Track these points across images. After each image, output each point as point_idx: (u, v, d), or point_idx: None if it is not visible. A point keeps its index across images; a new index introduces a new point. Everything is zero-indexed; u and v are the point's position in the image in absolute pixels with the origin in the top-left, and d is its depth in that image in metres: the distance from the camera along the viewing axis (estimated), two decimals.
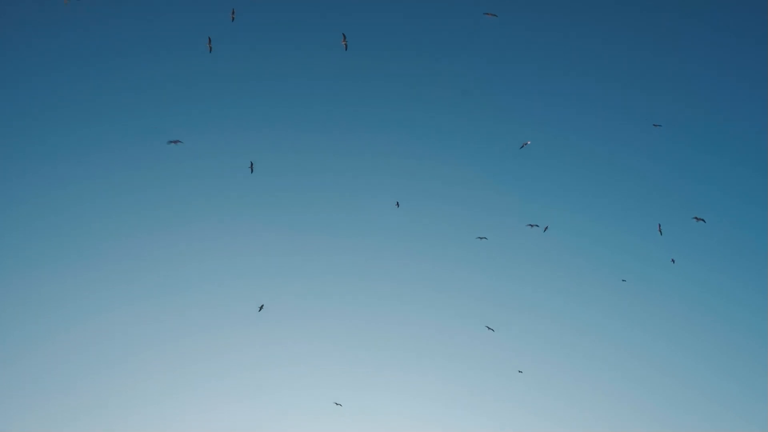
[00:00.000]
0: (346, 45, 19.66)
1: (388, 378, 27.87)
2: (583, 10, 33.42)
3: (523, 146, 22.46)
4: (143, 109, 30.82)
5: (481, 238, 23.99)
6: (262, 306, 23.34)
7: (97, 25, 30.64)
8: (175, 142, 19.55)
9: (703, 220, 21.26)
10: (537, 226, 22.19)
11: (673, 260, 24.27)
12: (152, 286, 28.89)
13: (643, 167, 32.48)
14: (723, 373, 28.85)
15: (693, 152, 32.95)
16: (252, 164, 21.51)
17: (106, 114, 30.30)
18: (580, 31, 33.29)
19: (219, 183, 30.50)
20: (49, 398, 26.04)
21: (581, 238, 31.57)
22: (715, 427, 27.03)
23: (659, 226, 22.31)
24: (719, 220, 31.87)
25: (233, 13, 19.83)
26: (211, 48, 19.68)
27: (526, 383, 26.66)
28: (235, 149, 30.71)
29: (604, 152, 32.74)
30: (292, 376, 27.36)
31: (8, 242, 28.65)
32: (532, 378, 26.58)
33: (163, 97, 31.21)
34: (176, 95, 31.32)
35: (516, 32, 33.32)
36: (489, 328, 24.03)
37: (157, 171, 30.51)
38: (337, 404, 24.02)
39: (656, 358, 29.23)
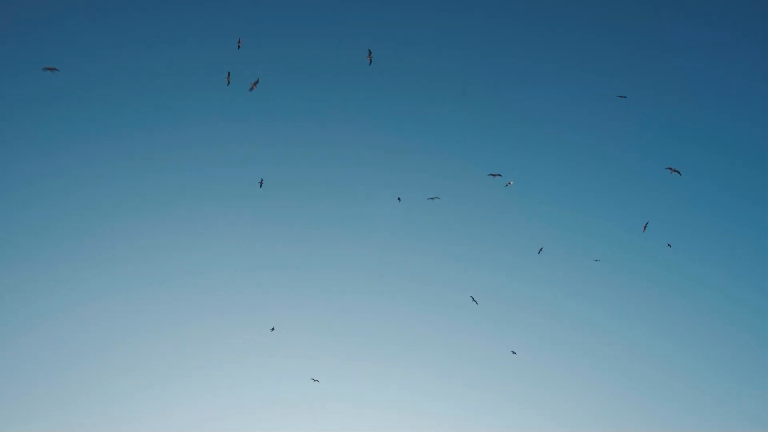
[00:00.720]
0: (370, 60, 19.42)
1: (376, 367, 27.93)
2: (583, 8, 33.55)
3: (507, 185, 22.26)
4: (141, 101, 30.87)
5: (432, 198, 23.22)
6: (273, 328, 23.63)
7: (96, 19, 30.62)
8: (51, 69, 18.89)
9: (678, 171, 20.95)
10: (500, 175, 21.40)
11: (669, 245, 24.09)
12: (138, 279, 28.88)
13: (643, 165, 32.55)
14: (723, 373, 28.84)
15: (692, 150, 33.02)
16: (262, 180, 21.76)
17: (104, 106, 30.27)
18: (579, 29, 33.41)
19: (214, 176, 30.55)
20: (33, 391, 25.87)
21: (582, 238, 31.63)
22: (715, 427, 26.99)
23: (645, 225, 22.36)
24: (719, 219, 31.96)
25: (239, 42, 19.68)
26: (229, 81, 19.47)
27: (516, 373, 26.79)
28: (234, 144, 30.80)
29: (602, 150, 32.84)
30: (277, 365, 27.30)
31: None
32: (521, 367, 26.64)
33: (163, 91, 31.26)
34: (176, 89, 31.41)
35: (516, 31, 33.46)
36: (473, 300, 23.43)
37: (155, 163, 30.56)
38: (314, 380, 23.77)
39: (656, 358, 29.26)
